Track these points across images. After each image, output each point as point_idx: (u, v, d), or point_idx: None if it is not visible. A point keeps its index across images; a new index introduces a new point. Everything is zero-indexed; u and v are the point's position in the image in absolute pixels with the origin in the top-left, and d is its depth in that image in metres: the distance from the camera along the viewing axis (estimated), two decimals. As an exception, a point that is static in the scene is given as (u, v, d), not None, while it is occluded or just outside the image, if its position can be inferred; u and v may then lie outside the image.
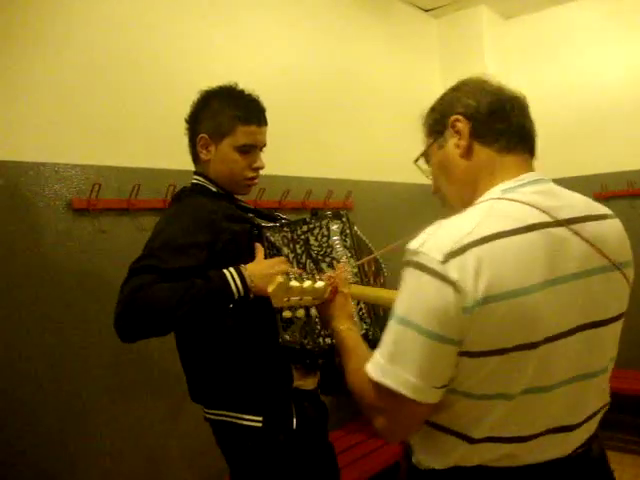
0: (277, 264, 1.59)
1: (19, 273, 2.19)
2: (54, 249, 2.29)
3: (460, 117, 1.18)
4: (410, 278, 1.02)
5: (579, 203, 1.13)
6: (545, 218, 1.04)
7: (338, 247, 1.62)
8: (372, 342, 1.58)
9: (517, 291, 0.98)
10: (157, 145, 2.62)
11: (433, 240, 1.01)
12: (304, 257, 1.66)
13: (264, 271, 1.55)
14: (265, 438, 1.64)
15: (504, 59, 4.67)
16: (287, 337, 1.65)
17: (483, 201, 1.10)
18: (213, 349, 1.65)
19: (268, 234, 1.70)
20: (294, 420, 1.66)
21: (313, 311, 1.59)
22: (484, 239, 0.99)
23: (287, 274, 1.39)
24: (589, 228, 1.08)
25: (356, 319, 1.57)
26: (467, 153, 1.18)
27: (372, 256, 1.69)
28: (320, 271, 1.62)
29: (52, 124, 2.32)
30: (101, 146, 2.46)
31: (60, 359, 2.27)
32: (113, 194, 2.46)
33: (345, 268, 1.49)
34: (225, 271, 1.52)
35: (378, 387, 1.03)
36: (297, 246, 1.67)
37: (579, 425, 1.10)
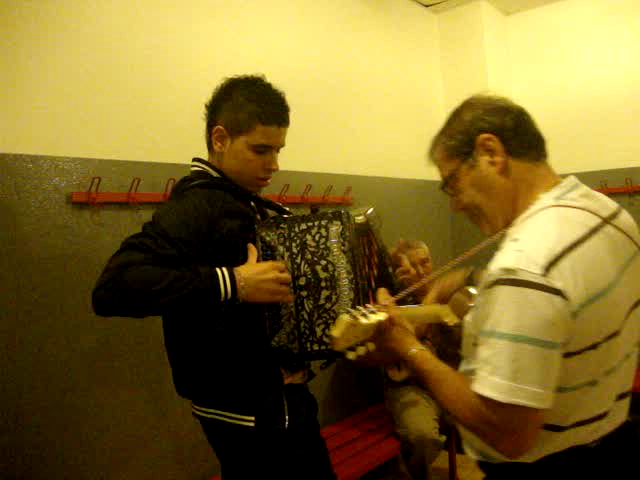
0: (269, 270, 1.54)
1: (18, 267, 2.18)
2: (53, 243, 2.28)
3: (491, 135, 1.23)
4: (512, 296, 1.06)
5: (606, 201, 1.25)
6: (597, 220, 1.16)
7: (335, 250, 1.57)
8: None
9: (605, 289, 1.09)
10: (157, 139, 2.62)
11: (526, 255, 1.07)
12: (299, 257, 1.60)
13: (256, 277, 1.51)
14: (257, 438, 1.62)
15: (504, 55, 4.67)
16: (274, 343, 1.62)
17: (539, 210, 1.17)
18: (203, 349, 1.63)
19: (263, 234, 1.64)
20: (286, 419, 1.64)
21: (304, 314, 1.58)
22: (571, 246, 1.08)
23: (348, 312, 1.30)
24: (622, 221, 1.22)
25: None
26: (504, 169, 1.23)
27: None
28: (314, 273, 1.59)
29: (52, 117, 2.31)
30: (101, 140, 2.45)
31: (60, 353, 2.28)
32: (113, 188, 2.45)
33: (387, 293, 1.40)
34: (217, 270, 1.48)
35: (505, 408, 1.06)
36: (293, 244, 1.61)
37: (630, 390, 1.26)
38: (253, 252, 1.60)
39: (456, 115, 1.33)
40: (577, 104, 4.39)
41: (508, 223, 1.24)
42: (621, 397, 1.22)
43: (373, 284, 1.66)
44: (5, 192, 2.16)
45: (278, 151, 1.73)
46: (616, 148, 4.22)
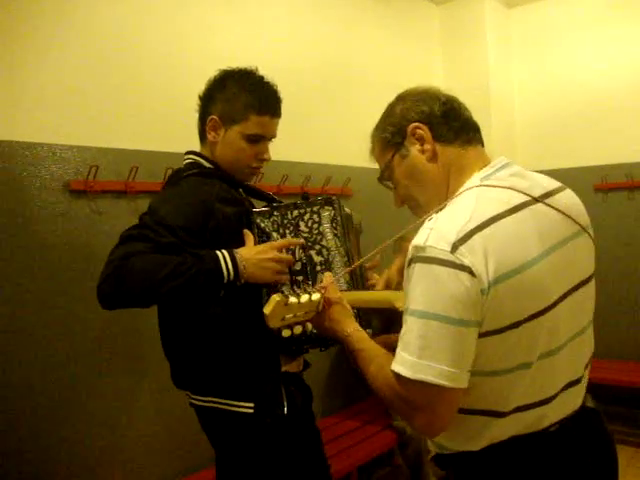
0: (268, 250, 1.57)
1: (15, 255, 2.18)
2: (51, 231, 2.27)
3: (419, 124, 1.26)
4: (421, 273, 1.07)
5: (542, 180, 1.25)
6: (525, 198, 1.15)
7: (328, 235, 1.61)
8: None
9: (522, 266, 1.07)
10: (155, 127, 2.60)
11: (436, 233, 1.07)
12: (295, 245, 1.64)
13: (257, 256, 1.54)
14: (256, 424, 1.63)
15: (506, 48, 4.65)
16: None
17: (465, 190, 1.18)
18: (201, 336, 1.64)
19: (258, 220, 1.67)
20: (285, 405, 1.66)
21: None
22: (484, 224, 1.07)
23: (282, 291, 1.34)
24: (558, 200, 1.20)
25: None
26: (434, 156, 1.25)
27: (367, 257, 1.56)
28: (309, 257, 1.62)
29: (49, 104, 2.30)
30: (99, 128, 2.44)
31: (57, 341, 2.27)
32: (110, 176, 2.44)
33: (332, 276, 1.42)
34: (218, 252, 1.50)
35: (413, 384, 1.06)
36: (287, 231, 1.65)
37: (582, 377, 1.24)
38: (250, 237, 1.62)
39: (388, 109, 1.38)
40: (578, 98, 4.37)
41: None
42: (570, 384, 1.21)
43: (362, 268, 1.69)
44: (2, 180, 2.15)
45: (270, 141, 1.76)
46: (617, 143, 4.20)
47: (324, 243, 1.61)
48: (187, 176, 1.66)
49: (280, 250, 1.60)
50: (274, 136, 1.76)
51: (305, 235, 1.63)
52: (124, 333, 2.47)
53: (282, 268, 1.59)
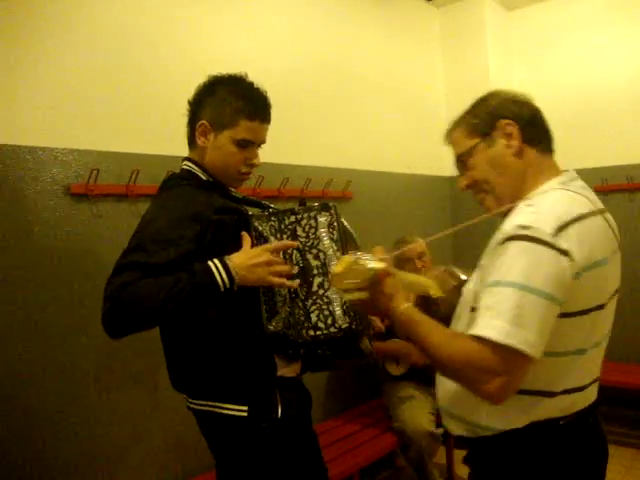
0: (262, 253, 1.56)
1: (16, 258, 2.18)
2: (52, 234, 2.28)
3: (510, 121, 1.39)
4: (524, 250, 1.19)
5: (596, 198, 1.39)
6: (593, 208, 1.31)
7: (325, 239, 1.62)
8: (351, 336, 1.59)
9: (600, 262, 1.25)
10: (156, 131, 2.61)
11: (541, 217, 1.21)
12: (291, 248, 1.65)
13: (249, 261, 1.54)
14: (250, 427, 1.63)
15: (506, 50, 4.65)
16: (271, 328, 1.65)
17: (548, 189, 1.33)
18: (197, 339, 1.64)
19: (256, 224, 1.68)
20: (279, 408, 1.65)
21: (298, 301, 1.61)
22: (576, 218, 1.23)
23: (355, 253, 1.39)
24: (609, 218, 1.37)
25: (340, 311, 1.58)
26: (519, 153, 1.38)
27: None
28: (306, 262, 1.62)
29: (50, 108, 2.30)
30: (100, 131, 2.44)
31: (56, 344, 2.28)
32: (111, 180, 2.45)
33: (383, 250, 1.48)
34: (210, 263, 1.50)
35: (500, 349, 1.16)
36: (284, 236, 1.65)
37: (598, 376, 1.40)
38: (247, 240, 1.62)
39: (482, 100, 1.49)
40: (578, 100, 4.38)
41: (513, 200, 1.36)
42: (595, 380, 1.38)
43: None
44: (3, 183, 2.16)
45: (259, 147, 1.76)
46: (617, 145, 4.20)
47: (321, 247, 1.62)
48: (182, 185, 1.68)
49: (277, 253, 1.61)
50: (263, 141, 1.77)
51: (302, 240, 1.64)
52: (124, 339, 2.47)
53: (277, 270, 1.58)
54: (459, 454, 3.62)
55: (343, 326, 1.58)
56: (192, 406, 1.73)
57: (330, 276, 1.36)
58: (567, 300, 1.19)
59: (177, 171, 1.78)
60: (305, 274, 1.63)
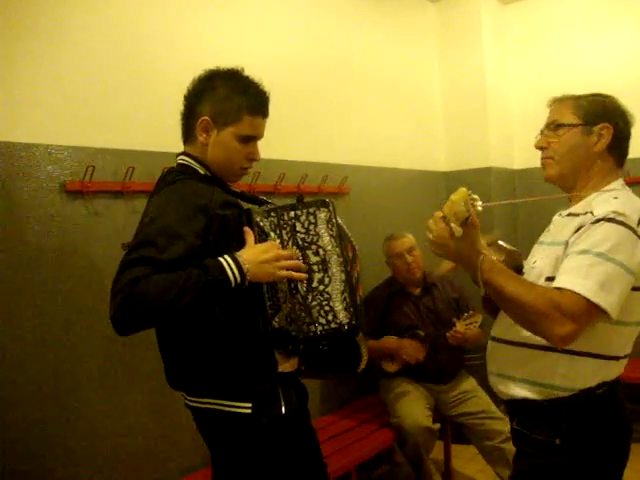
0: (270, 249, 1.58)
1: (11, 256, 2.17)
2: (47, 232, 2.27)
3: (611, 127, 1.60)
4: (616, 230, 1.44)
5: None
6: None
7: (324, 236, 1.62)
8: (351, 330, 1.60)
9: None
10: (151, 127, 2.60)
11: (628, 208, 1.48)
12: (290, 243, 1.65)
13: (258, 257, 1.54)
14: (253, 424, 1.63)
15: (502, 45, 4.65)
16: (275, 324, 1.65)
17: (619, 188, 1.60)
18: (199, 337, 1.63)
19: (258, 219, 1.68)
20: (282, 404, 1.66)
21: (299, 297, 1.62)
22: None
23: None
24: None
25: (340, 307, 1.60)
26: (599, 152, 1.62)
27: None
28: (305, 258, 1.63)
29: (45, 105, 2.29)
30: (95, 128, 2.43)
31: (53, 342, 2.27)
32: (107, 177, 2.44)
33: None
34: (221, 259, 1.50)
35: (587, 304, 1.40)
36: (284, 232, 1.66)
37: None
38: (250, 234, 1.62)
39: (602, 97, 1.68)
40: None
41: (571, 185, 1.66)
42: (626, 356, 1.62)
43: (356, 274, 1.70)
44: (-2, 180, 2.15)
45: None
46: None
47: (320, 243, 1.62)
48: (183, 179, 1.66)
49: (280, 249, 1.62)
50: (263, 136, 1.77)
51: (302, 236, 1.64)
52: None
53: (286, 264, 1.59)
54: (456, 449, 3.63)
55: (344, 322, 1.59)
56: (191, 404, 1.72)
57: (445, 202, 1.45)
58: (638, 278, 1.46)
59: (170, 168, 1.76)
60: (305, 270, 1.63)
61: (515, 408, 1.66)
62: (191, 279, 1.44)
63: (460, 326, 3.08)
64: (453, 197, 1.43)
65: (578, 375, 1.53)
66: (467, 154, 4.41)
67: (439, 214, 1.50)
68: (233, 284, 1.50)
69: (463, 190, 1.43)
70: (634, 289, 1.47)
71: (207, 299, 1.49)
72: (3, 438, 2.14)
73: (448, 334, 3.11)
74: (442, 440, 3.47)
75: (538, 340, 1.52)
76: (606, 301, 1.40)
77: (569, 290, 1.42)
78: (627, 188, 1.63)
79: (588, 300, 1.40)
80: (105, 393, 2.42)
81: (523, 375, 1.60)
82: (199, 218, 1.54)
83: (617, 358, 1.56)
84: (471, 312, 3.12)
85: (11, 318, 2.17)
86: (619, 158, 1.65)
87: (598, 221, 1.46)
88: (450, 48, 4.57)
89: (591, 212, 1.50)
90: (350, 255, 1.70)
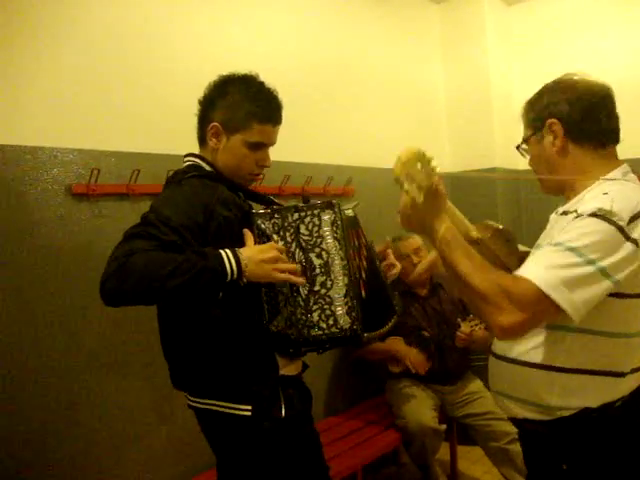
0: (270, 249, 1.57)
1: (17, 259, 2.18)
2: (53, 235, 2.27)
3: (555, 120, 1.47)
4: (595, 224, 1.29)
5: None
6: None
7: (328, 238, 1.61)
8: (352, 335, 1.59)
9: None
10: (157, 130, 2.60)
11: (617, 204, 1.30)
12: (294, 245, 1.64)
13: (258, 256, 1.53)
14: (254, 427, 1.63)
15: (506, 45, 4.64)
16: (273, 327, 1.64)
17: (613, 179, 1.44)
18: (200, 337, 1.64)
19: (259, 221, 1.67)
20: (282, 408, 1.65)
21: (300, 300, 1.61)
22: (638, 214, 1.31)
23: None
24: None
25: (341, 311, 1.58)
26: (562, 151, 1.48)
27: None
28: (308, 260, 1.61)
29: (51, 108, 2.30)
30: (101, 131, 2.44)
31: (59, 344, 2.28)
32: (112, 179, 2.44)
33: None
34: (221, 251, 1.50)
35: (543, 297, 1.25)
36: (287, 234, 1.65)
37: None
38: (250, 236, 1.62)
39: (539, 92, 1.57)
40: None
41: (561, 191, 1.53)
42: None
43: (363, 275, 1.69)
44: (4, 184, 2.15)
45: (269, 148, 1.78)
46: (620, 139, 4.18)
47: (324, 246, 1.61)
48: (189, 177, 1.66)
49: (282, 252, 1.61)
50: (274, 143, 1.77)
51: (306, 238, 1.63)
52: (126, 336, 2.47)
53: (284, 267, 1.58)
54: (462, 450, 3.62)
55: (345, 326, 1.58)
56: (193, 404, 1.72)
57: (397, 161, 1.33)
58: (629, 283, 1.30)
59: (177, 169, 1.77)
60: (307, 273, 1.62)
61: (518, 427, 1.59)
62: (188, 261, 1.42)
63: (465, 327, 3.07)
64: (402, 156, 1.32)
65: (575, 393, 1.40)
66: (472, 155, 4.40)
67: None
68: (229, 277, 1.48)
69: (413, 148, 1.32)
70: (631, 296, 1.34)
71: (202, 289, 1.46)
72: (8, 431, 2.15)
73: (455, 334, 3.11)
74: (448, 441, 3.46)
75: (535, 358, 1.44)
76: (563, 297, 1.25)
77: (524, 278, 1.29)
78: (631, 177, 1.49)
79: (541, 291, 1.25)
80: (110, 391, 2.43)
81: (521, 395, 1.49)
82: (199, 216, 1.54)
83: (622, 374, 1.39)
84: None
85: (16, 318, 2.17)
86: (590, 140, 1.48)
87: (583, 215, 1.32)
88: (454, 49, 4.56)
89: (575, 210, 1.38)
90: (357, 243, 1.69)
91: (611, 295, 1.32)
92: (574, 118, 1.46)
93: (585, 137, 1.47)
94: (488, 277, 1.32)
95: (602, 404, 1.38)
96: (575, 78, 1.54)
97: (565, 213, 1.47)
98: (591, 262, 1.26)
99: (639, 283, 1.34)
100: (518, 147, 1.62)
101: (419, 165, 1.33)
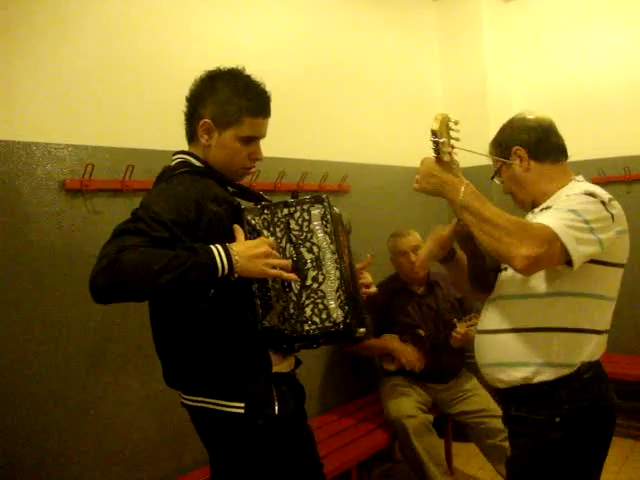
0: (260, 245, 1.55)
1: (11, 254, 2.17)
2: (47, 230, 2.27)
3: (519, 147, 1.82)
4: (590, 200, 1.61)
5: None
6: (606, 197, 1.67)
7: (319, 232, 1.60)
8: (346, 329, 1.58)
9: (624, 230, 1.67)
10: (151, 126, 2.59)
11: (598, 189, 1.67)
12: (284, 241, 1.63)
13: (248, 251, 1.52)
14: (247, 424, 1.62)
15: (503, 42, 4.64)
16: (265, 323, 1.64)
17: (582, 183, 1.78)
18: (192, 335, 1.63)
19: (249, 217, 1.66)
20: (276, 405, 1.65)
21: (292, 295, 1.60)
22: (612, 197, 1.67)
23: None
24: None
25: (334, 305, 1.58)
26: (528, 169, 1.82)
27: None
28: (299, 255, 1.61)
29: (45, 103, 2.29)
30: (94, 126, 2.43)
31: (52, 340, 2.27)
32: (107, 175, 2.43)
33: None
34: (212, 246, 1.48)
35: (555, 239, 1.51)
36: (277, 229, 1.64)
37: None
38: (240, 231, 1.61)
39: (501, 130, 1.91)
40: (575, 91, 4.36)
41: (535, 204, 1.82)
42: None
43: (349, 274, 1.67)
44: (-3, 179, 2.14)
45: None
46: (614, 136, 4.19)
47: (314, 240, 1.60)
48: (179, 174, 1.65)
49: (272, 247, 1.59)
50: (265, 135, 1.77)
51: (296, 233, 1.62)
52: (119, 333, 2.47)
53: (275, 262, 1.56)
54: (457, 447, 3.63)
55: (338, 320, 1.57)
56: (186, 402, 1.72)
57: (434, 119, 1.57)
58: (607, 251, 1.60)
59: (167, 165, 1.76)
60: (299, 268, 1.61)
61: (514, 394, 1.74)
62: (179, 257, 1.41)
63: (461, 328, 3.07)
64: (439, 115, 1.57)
65: (571, 349, 1.65)
66: (468, 152, 4.38)
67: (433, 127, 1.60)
68: (220, 272, 1.46)
69: (445, 113, 1.58)
70: (616, 265, 1.67)
71: (193, 284, 1.45)
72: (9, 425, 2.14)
73: (451, 334, 3.11)
74: (443, 438, 3.46)
75: (530, 323, 1.68)
76: (574, 248, 1.52)
77: (543, 223, 1.54)
78: (586, 180, 1.82)
79: (556, 235, 1.51)
80: (102, 390, 2.42)
81: (520, 358, 1.69)
82: (189, 212, 1.53)
83: (601, 332, 1.70)
84: (473, 314, 3.11)
85: (9, 314, 2.16)
86: (550, 156, 1.81)
87: (575, 194, 1.65)
88: (451, 46, 4.56)
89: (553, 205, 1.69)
90: (345, 243, 1.69)
91: (595, 262, 1.61)
92: (533, 142, 1.81)
93: (544, 155, 1.80)
94: (512, 218, 1.55)
95: (596, 360, 1.69)
96: (525, 115, 1.88)
97: (547, 209, 1.71)
98: (592, 230, 1.55)
99: (616, 254, 1.66)
100: (492, 178, 1.91)
101: (452, 125, 1.57)
